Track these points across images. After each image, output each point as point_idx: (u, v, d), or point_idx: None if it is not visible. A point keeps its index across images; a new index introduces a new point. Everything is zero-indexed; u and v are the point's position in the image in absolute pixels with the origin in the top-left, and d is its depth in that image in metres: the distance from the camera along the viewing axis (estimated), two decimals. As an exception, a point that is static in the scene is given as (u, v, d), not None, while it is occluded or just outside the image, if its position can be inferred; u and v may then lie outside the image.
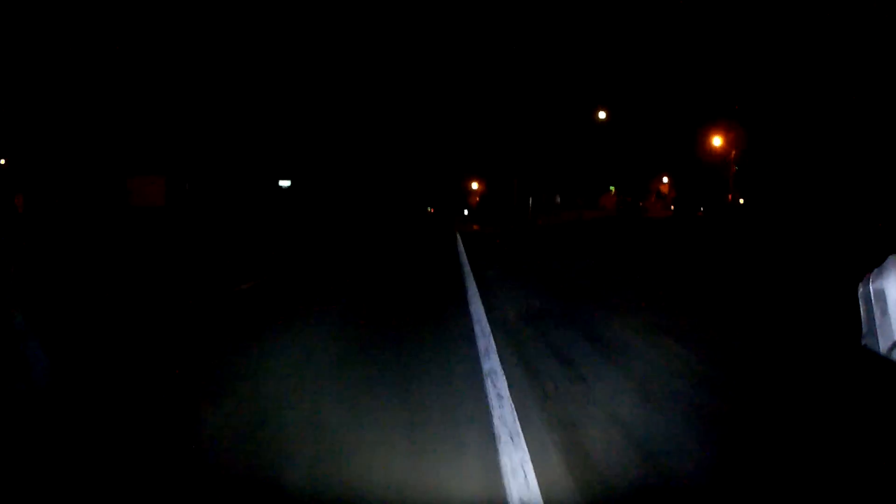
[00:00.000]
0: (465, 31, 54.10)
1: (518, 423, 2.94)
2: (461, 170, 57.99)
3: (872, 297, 3.65)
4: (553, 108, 38.19)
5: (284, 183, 37.95)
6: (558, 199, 48.77)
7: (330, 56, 40.89)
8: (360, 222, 31.80)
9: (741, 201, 31.01)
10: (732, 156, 30.56)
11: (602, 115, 31.36)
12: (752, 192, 28.93)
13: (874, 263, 3.76)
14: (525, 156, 40.79)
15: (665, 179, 44.85)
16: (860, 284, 3.79)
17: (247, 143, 31.40)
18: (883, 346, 3.47)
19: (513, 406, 3.19)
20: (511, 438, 2.74)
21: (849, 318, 4.06)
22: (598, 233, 22.92)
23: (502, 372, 3.82)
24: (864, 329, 3.73)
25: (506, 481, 2.35)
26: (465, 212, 69.17)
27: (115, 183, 24.21)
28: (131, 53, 24.40)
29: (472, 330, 5.12)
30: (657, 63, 33.53)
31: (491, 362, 4.06)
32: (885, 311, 3.52)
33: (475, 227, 35.48)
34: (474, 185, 64.09)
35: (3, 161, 24.33)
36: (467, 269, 10.13)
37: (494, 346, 4.48)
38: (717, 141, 31.62)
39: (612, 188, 44.73)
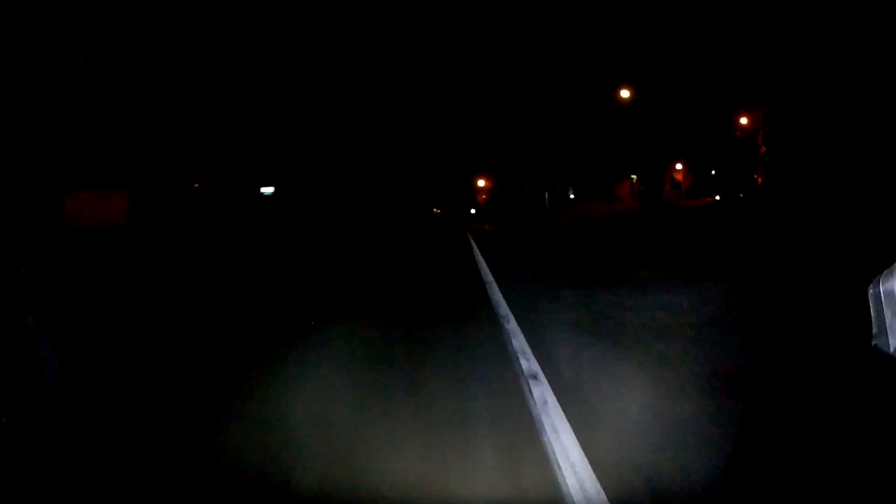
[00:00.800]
0: (467, 16, 54.39)
1: None
2: (466, 167, 58.04)
3: (883, 298, 3.91)
4: (562, 97, 38.32)
5: (267, 190, 35.99)
6: (571, 192, 48.85)
7: (326, 49, 40.67)
8: (357, 230, 30.76)
9: (758, 179, 30.90)
10: (760, 136, 30.59)
11: (625, 93, 30.72)
12: (772, 175, 28.90)
13: (886, 262, 4.00)
14: (536, 147, 40.72)
15: (679, 166, 44.68)
16: (870, 286, 4.04)
17: (229, 145, 29.92)
18: (892, 346, 3.73)
19: None
20: None
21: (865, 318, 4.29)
22: (649, 232, 18.75)
23: None
24: (875, 330, 3.98)
25: None
26: (473, 210, 69.43)
27: (49, 199, 21.85)
28: (93, 57, 22.90)
29: None
30: (671, 46, 33.61)
31: None
32: (895, 312, 3.77)
33: (486, 226, 35.37)
34: (481, 183, 64.18)
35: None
36: (510, 319, 5.82)
37: None
38: (743, 120, 31.61)
39: (633, 177, 44.71)
